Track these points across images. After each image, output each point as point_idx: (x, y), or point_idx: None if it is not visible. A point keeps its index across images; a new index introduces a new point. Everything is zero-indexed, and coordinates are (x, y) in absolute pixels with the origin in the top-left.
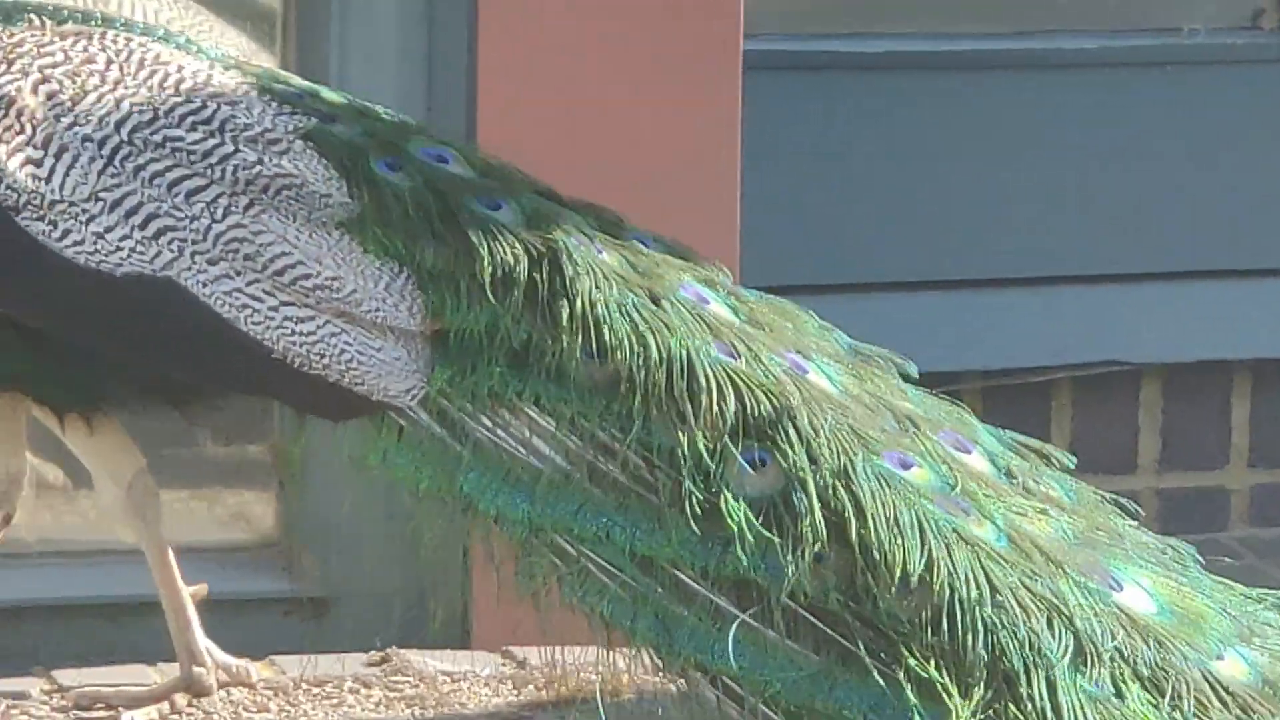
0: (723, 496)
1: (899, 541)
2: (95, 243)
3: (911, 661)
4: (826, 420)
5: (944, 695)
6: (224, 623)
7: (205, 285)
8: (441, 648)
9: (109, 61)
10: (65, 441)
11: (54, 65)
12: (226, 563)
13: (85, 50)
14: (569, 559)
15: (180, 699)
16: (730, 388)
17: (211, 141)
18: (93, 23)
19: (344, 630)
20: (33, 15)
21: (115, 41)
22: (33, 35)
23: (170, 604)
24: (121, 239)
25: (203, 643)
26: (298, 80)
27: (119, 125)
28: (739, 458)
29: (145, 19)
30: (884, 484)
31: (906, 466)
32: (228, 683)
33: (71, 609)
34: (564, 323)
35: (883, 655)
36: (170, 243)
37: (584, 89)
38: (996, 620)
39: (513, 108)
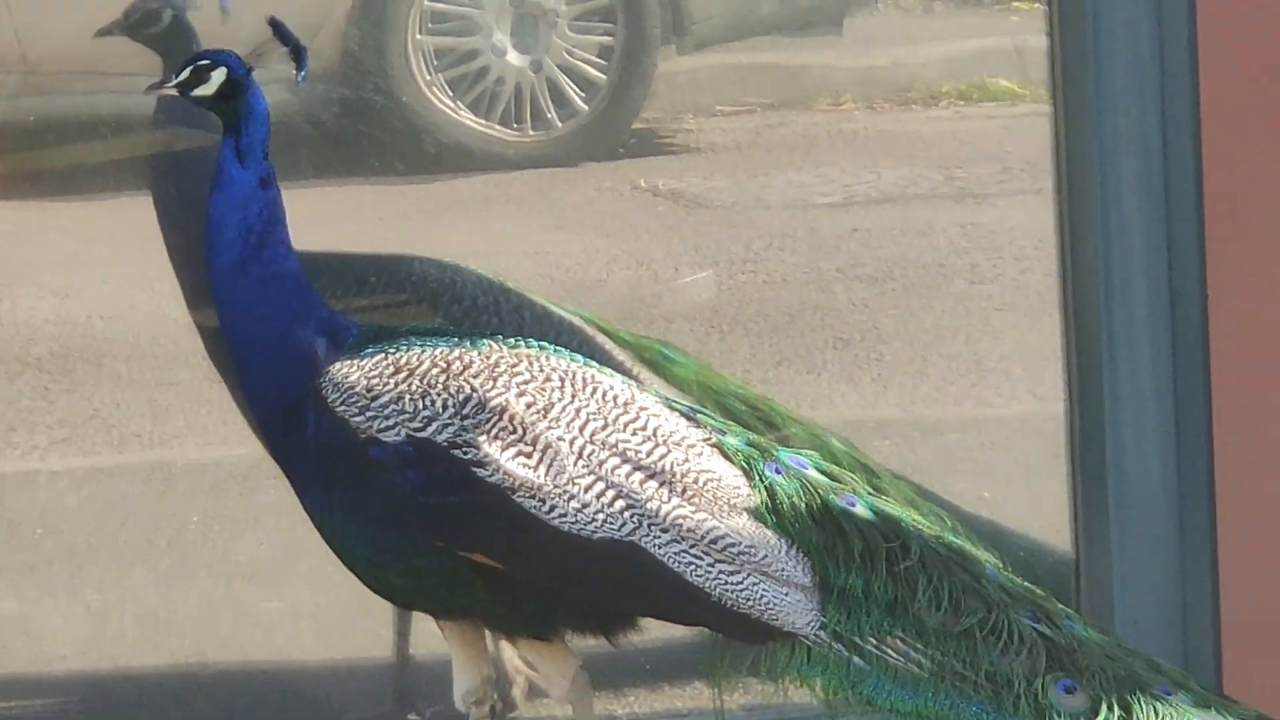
0: (1049, 711)
1: None
2: (576, 515)
3: None
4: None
5: None
6: None
7: (660, 548)
8: None
9: (562, 379)
10: (518, 649)
11: (526, 381)
12: None
13: (541, 369)
14: None
15: None
16: (1041, 648)
17: (650, 444)
18: (535, 348)
19: None
20: (489, 342)
21: (559, 363)
22: (503, 357)
23: None
24: (595, 513)
25: None
26: (683, 400)
27: (581, 429)
28: (1057, 688)
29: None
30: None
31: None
32: None
33: None
34: (919, 596)
35: None
36: (632, 516)
37: None
38: None
39: None
